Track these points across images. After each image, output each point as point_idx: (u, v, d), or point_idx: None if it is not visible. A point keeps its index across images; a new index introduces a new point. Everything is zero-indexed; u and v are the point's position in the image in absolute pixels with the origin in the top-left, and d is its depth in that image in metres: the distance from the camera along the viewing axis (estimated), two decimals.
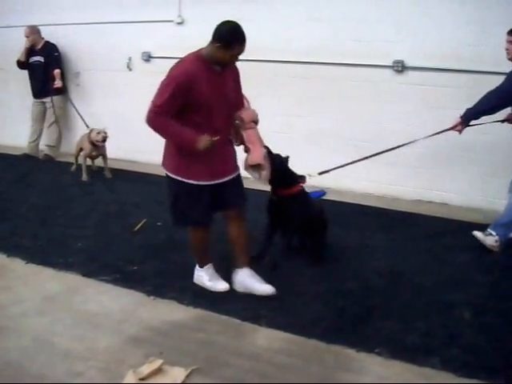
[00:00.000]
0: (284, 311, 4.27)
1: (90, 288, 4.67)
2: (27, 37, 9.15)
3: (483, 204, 6.65)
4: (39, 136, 9.55)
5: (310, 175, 5.11)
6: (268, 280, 4.58)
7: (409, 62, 6.99)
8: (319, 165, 5.51)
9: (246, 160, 4.45)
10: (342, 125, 7.45)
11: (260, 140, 4.51)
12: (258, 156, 4.40)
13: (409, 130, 6.62)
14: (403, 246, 5.69)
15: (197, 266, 4.72)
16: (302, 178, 5.02)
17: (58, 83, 9.07)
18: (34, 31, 9.18)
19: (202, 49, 4.22)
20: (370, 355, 3.74)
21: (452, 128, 5.45)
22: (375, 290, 4.67)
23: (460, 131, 5.44)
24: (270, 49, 7.63)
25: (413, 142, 5.69)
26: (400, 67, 7.01)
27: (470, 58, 6.33)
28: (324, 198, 7.01)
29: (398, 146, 5.77)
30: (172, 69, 4.19)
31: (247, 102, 4.61)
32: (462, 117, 5.39)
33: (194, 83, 4.07)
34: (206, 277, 4.65)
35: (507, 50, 5.33)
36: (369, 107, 7.30)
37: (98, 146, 7.99)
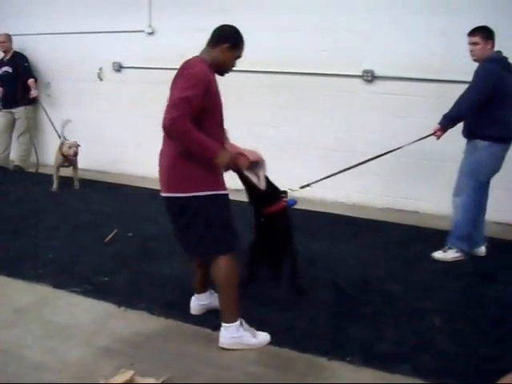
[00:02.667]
0: (256, 320, 4.24)
1: (61, 299, 4.64)
2: (2, 42, 9.10)
3: None
4: (8, 147, 9.46)
5: (291, 189, 5.00)
6: (239, 290, 4.59)
7: (378, 72, 7.05)
8: (289, 175, 5.54)
9: (243, 161, 4.05)
10: (312, 134, 7.49)
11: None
12: (255, 154, 4.16)
13: (379, 139, 6.69)
14: (374, 253, 5.73)
15: (228, 327, 3.92)
16: (285, 193, 4.79)
17: (34, 92, 9.03)
18: (8, 38, 9.15)
19: (200, 55, 3.93)
20: (341, 363, 3.75)
21: (432, 134, 5.50)
22: (346, 298, 4.70)
23: (439, 137, 5.48)
24: (240, 59, 7.64)
25: (398, 148, 5.70)
26: (369, 77, 7.07)
27: (439, 67, 6.41)
28: (294, 207, 7.03)
29: (382, 154, 5.75)
30: (187, 68, 3.78)
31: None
32: (439, 123, 5.44)
33: (210, 85, 3.75)
34: (247, 333, 3.96)
35: (471, 51, 5.40)
36: (339, 116, 7.35)
37: (69, 159, 7.95)
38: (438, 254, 5.59)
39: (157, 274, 5.06)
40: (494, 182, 5.57)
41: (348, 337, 4.08)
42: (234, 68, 4.09)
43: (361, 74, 7.12)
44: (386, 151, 5.76)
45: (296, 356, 3.83)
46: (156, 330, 4.17)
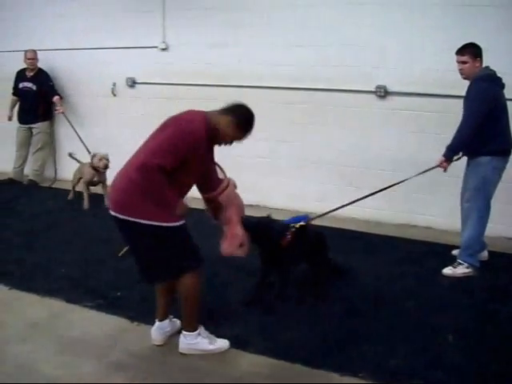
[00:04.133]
0: (268, 336, 4.27)
1: (74, 314, 4.66)
2: (32, 59, 9.15)
3: None
4: (24, 162, 9.52)
5: (309, 217, 5.18)
6: (252, 305, 4.62)
7: (391, 88, 7.06)
8: (303, 189, 5.56)
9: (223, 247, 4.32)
10: (325, 150, 7.50)
11: (236, 207, 4.38)
12: (232, 245, 4.29)
13: (392, 155, 6.69)
14: (387, 269, 5.71)
15: (186, 334, 4.11)
16: (289, 228, 4.89)
17: (60, 109, 9.07)
18: (36, 55, 9.17)
19: (210, 115, 3.97)
20: (354, 379, 3.75)
21: (438, 166, 5.51)
22: (359, 314, 4.69)
23: (445, 168, 5.50)
24: (253, 74, 7.69)
25: (407, 179, 5.75)
26: (382, 92, 7.08)
27: (451, 83, 6.38)
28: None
29: (399, 182, 5.79)
30: (182, 124, 3.89)
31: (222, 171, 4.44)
32: (443, 155, 5.45)
33: (198, 149, 3.84)
34: (205, 340, 4.12)
35: (460, 70, 5.43)
36: (352, 132, 7.35)
37: (99, 172, 7.92)
38: (448, 270, 5.58)
39: None
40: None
41: (360, 352, 4.07)
42: (226, 146, 4.09)
43: (374, 89, 7.13)
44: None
45: (308, 371, 3.83)
46: (168, 345, 4.18)
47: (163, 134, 3.88)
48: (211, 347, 4.11)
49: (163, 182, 3.72)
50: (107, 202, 7.90)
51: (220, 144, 4.05)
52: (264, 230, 4.68)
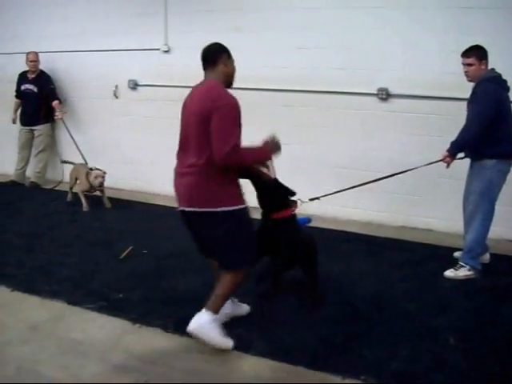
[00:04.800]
0: (270, 338, 4.27)
1: (76, 316, 4.65)
2: (34, 61, 9.16)
3: None
4: (26, 164, 9.54)
5: (301, 200, 5.05)
6: (254, 308, 4.62)
7: (393, 90, 7.06)
8: (304, 192, 5.53)
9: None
10: (327, 152, 7.50)
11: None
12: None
13: (394, 157, 6.69)
14: (388, 272, 5.71)
15: (206, 314, 4.08)
16: (294, 203, 4.92)
17: (59, 114, 9.07)
18: (38, 57, 9.20)
19: (211, 78, 4.16)
20: (356, 381, 3.75)
21: (441, 160, 5.51)
22: (360, 317, 4.69)
23: (448, 163, 5.49)
24: (255, 77, 7.69)
25: (409, 170, 5.77)
26: (384, 95, 7.08)
27: (453, 85, 6.40)
28: (309, 225, 7.04)
29: (394, 174, 5.86)
30: (225, 100, 3.97)
31: None
32: (447, 150, 5.45)
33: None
34: (216, 329, 4.10)
35: (466, 72, 5.43)
36: (353, 134, 7.35)
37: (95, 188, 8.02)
38: (450, 273, 5.57)
39: (171, 291, 5.07)
40: None
41: (362, 355, 4.07)
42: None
43: (375, 92, 7.13)
44: (400, 170, 5.80)
45: (311, 374, 3.83)
46: (170, 347, 4.18)
47: (213, 122, 3.91)
48: (216, 339, 4.08)
49: (244, 151, 4.03)
50: (106, 203, 8.02)
51: (233, 82, 4.33)
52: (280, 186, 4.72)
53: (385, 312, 4.79)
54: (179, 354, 4.10)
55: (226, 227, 4.02)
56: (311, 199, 5.33)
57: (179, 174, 4.14)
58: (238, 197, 4.13)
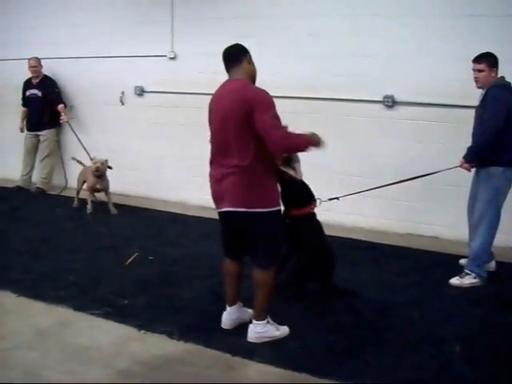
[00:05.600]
0: (275, 345, 4.27)
1: (81, 322, 4.66)
2: (34, 66, 9.22)
3: None
4: (32, 169, 9.57)
5: (320, 199, 5.11)
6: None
7: (399, 97, 7.06)
8: None
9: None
10: (333, 159, 7.48)
11: None
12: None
13: (400, 164, 6.70)
14: (393, 279, 5.71)
15: (258, 324, 4.31)
16: (314, 201, 5.04)
17: (64, 118, 9.12)
18: (39, 63, 9.26)
19: (238, 77, 4.29)
20: None
21: (459, 166, 5.52)
22: (366, 324, 4.68)
23: (468, 169, 5.50)
24: (260, 84, 7.64)
25: (428, 174, 5.82)
26: (390, 102, 7.09)
27: (460, 93, 6.40)
28: None
29: (412, 178, 5.93)
30: (261, 95, 4.17)
31: None
32: (464, 156, 5.46)
33: None
34: (272, 327, 4.35)
35: (476, 78, 5.44)
36: (359, 142, 7.36)
37: (100, 178, 8.02)
38: (456, 281, 5.56)
39: (177, 298, 5.08)
40: None
41: (367, 362, 4.06)
42: None
43: (381, 99, 7.14)
44: (405, 178, 5.81)
45: (315, 381, 3.82)
46: (175, 354, 4.18)
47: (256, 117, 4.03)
48: (277, 333, 4.36)
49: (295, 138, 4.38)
50: (112, 209, 8.04)
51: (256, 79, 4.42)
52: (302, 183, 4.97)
53: (390, 319, 4.78)
54: (184, 360, 4.10)
55: (269, 227, 4.15)
56: (330, 199, 5.37)
57: (221, 177, 4.16)
58: (278, 197, 4.28)
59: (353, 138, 7.40)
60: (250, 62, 4.34)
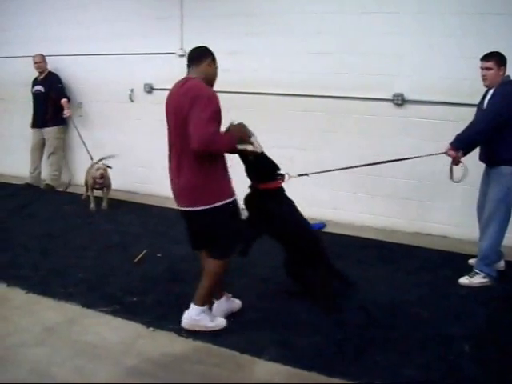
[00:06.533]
0: (283, 344, 4.26)
1: (90, 319, 4.67)
2: (38, 62, 9.24)
3: None
4: (38, 166, 9.56)
5: (288, 174, 5.06)
6: (267, 313, 4.62)
7: (409, 96, 7.03)
8: (318, 196, 5.56)
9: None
10: (342, 158, 7.46)
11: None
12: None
13: (408, 163, 6.66)
14: (403, 278, 5.69)
15: (194, 309, 4.44)
16: (282, 176, 5.01)
17: (67, 112, 9.13)
18: (44, 59, 9.27)
19: (193, 76, 4.32)
20: None
21: (444, 152, 5.51)
22: (374, 322, 4.67)
23: (454, 158, 5.49)
24: (270, 81, 7.69)
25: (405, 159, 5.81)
26: (400, 100, 7.05)
27: (470, 91, 6.36)
28: (323, 230, 7.04)
29: (387, 161, 6.05)
30: (204, 92, 4.14)
31: None
32: (450, 143, 5.46)
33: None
34: (207, 317, 4.47)
35: (484, 76, 5.41)
36: (368, 140, 7.32)
37: (102, 177, 8.06)
38: (465, 280, 5.54)
39: (185, 295, 5.05)
40: None
41: (376, 361, 4.06)
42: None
43: (391, 97, 7.10)
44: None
45: (324, 380, 3.82)
46: (184, 352, 4.19)
47: (191, 112, 4.06)
48: (211, 324, 4.46)
49: (220, 137, 4.25)
50: (104, 204, 8.12)
51: (214, 83, 4.42)
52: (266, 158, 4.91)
53: (399, 318, 4.77)
54: (192, 358, 4.10)
55: (218, 221, 4.26)
56: (300, 175, 5.33)
57: (173, 175, 4.35)
58: (228, 190, 4.32)
59: (362, 137, 7.37)
60: (211, 65, 4.38)
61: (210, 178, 4.19)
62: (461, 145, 5.42)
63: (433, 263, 6.09)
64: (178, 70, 8.43)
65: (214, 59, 4.40)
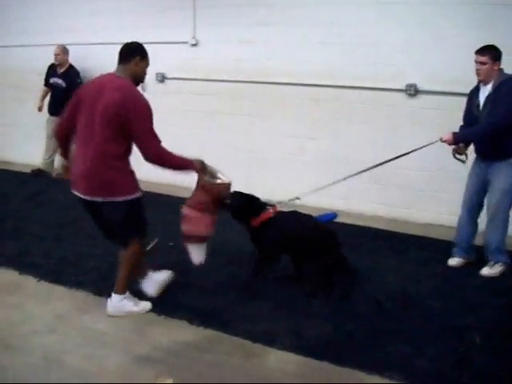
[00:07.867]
0: (295, 333, 4.27)
1: (101, 307, 4.67)
2: (57, 54, 9.25)
3: None
4: (54, 153, 9.57)
5: (279, 203, 5.17)
6: (279, 302, 4.63)
7: (421, 86, 7.00)
8: (331, 187, 5.56)
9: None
10: (353, 148, 7.46)
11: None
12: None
13: (421, 154, 6.64)
14: (414, 269, 5.68)
15: (115, 297, 4.55)
16: (273, 206, 5.03)
17: None
18: (64, 51, 9.26)
19: (120, 74, 4.46)
20: (380, 378, 3.74)
21: (441, 139, 5.53)
22: (386, 313, 4.67)
23: (449, 143, 5.54)
24: (282, 71, 7.68)
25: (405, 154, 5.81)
26: (413, 91, 7.02)
27: None
28: (334, 220, 7.03)
29: (392, 159, 6.04)
30: (143, 103, 4.39)
31: None
32: (455, 133, 5.46)
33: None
34: (130, 302, 4.59)
35: (478, 70, 5.39)
36: (381, 131, 7.31)
37: None
38: (485, 271, 5.53)
39: (197, 284, 5.08)
40: None
41: (387, 352, 4.05)
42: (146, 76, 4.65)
43: (404, 88, 7.08)
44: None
45: (335, 369, 3.83)
46: (195, 340, 4.20)
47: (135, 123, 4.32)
48: (135, 309, 4.58)
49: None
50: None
51: (142, 82, 4.67)
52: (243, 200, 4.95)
53: (410, 309, 4.76)
54: (204, 346, 4.11)
55: (126, 213, 4.41)
56: (290, 200, 5.32)
57: (80, 163, 4.38)
58: (135, 185, 4.57)
59: (374, 127, 7.35)
60: (139, 65, 4.48)
61: (123, 171, 4.48)
62: (461, 137, 5.47)
63: (444, 254, 6.05)
64: (191, 59, 8.53)
65: (143, 57, 4.51)
